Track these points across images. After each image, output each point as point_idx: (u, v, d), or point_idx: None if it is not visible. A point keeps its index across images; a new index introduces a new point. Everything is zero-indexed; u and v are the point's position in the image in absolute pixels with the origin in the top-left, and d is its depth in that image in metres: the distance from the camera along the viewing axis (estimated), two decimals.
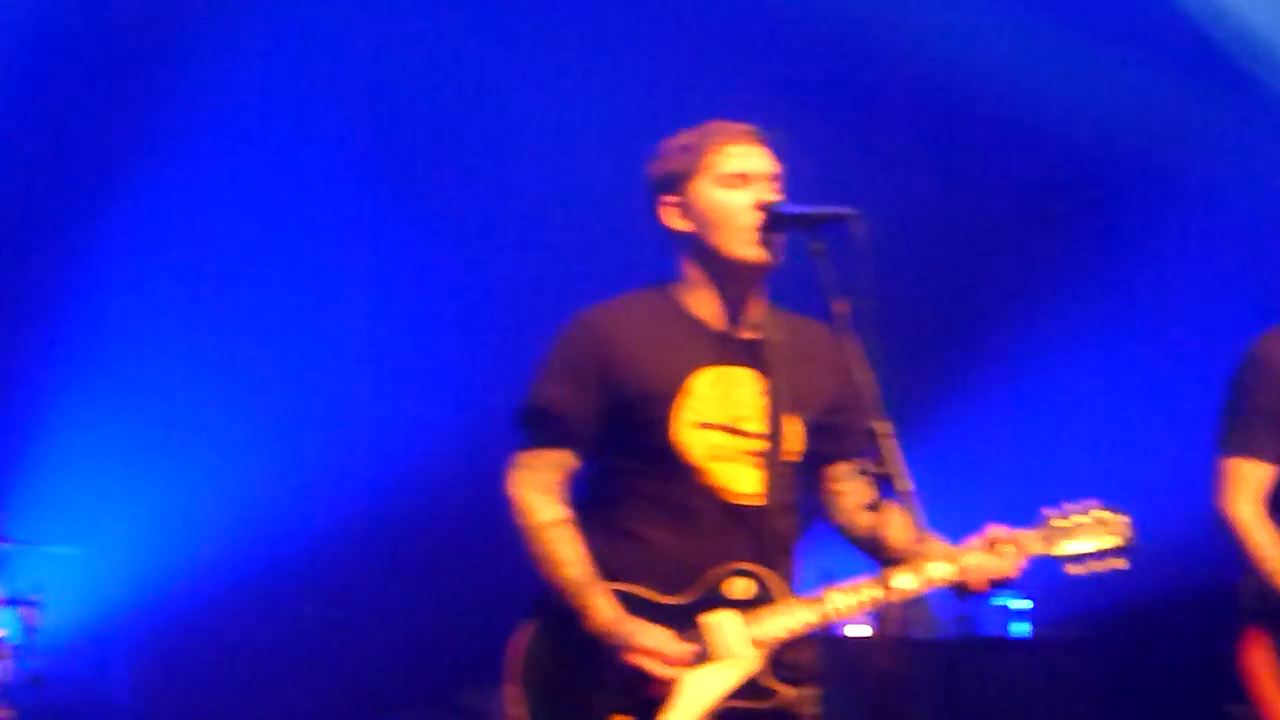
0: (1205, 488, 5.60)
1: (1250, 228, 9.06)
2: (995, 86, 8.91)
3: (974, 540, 4.49)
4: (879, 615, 4.18)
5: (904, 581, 4.40)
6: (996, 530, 4.49)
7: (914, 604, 8.51)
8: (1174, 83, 9.07)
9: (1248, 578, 5.49)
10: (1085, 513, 4.58)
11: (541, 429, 4.48)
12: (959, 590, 4.47)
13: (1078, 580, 7.91)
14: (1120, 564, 4.57)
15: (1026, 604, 8.90)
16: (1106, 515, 4.58)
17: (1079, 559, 4.56)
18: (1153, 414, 8.76)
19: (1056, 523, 4.55)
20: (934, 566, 4.42)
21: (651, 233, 4.57)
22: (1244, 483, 5.52)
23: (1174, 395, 8.55)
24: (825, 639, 7.23)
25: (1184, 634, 8.43)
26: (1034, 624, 8.93)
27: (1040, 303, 9.10)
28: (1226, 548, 5.53)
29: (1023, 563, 4.48)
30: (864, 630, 8.36)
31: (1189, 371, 8.08)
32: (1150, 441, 8.60)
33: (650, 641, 4.29)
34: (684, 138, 4.52)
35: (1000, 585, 4.47)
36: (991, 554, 4.44)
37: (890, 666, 4.00)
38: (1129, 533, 4.58)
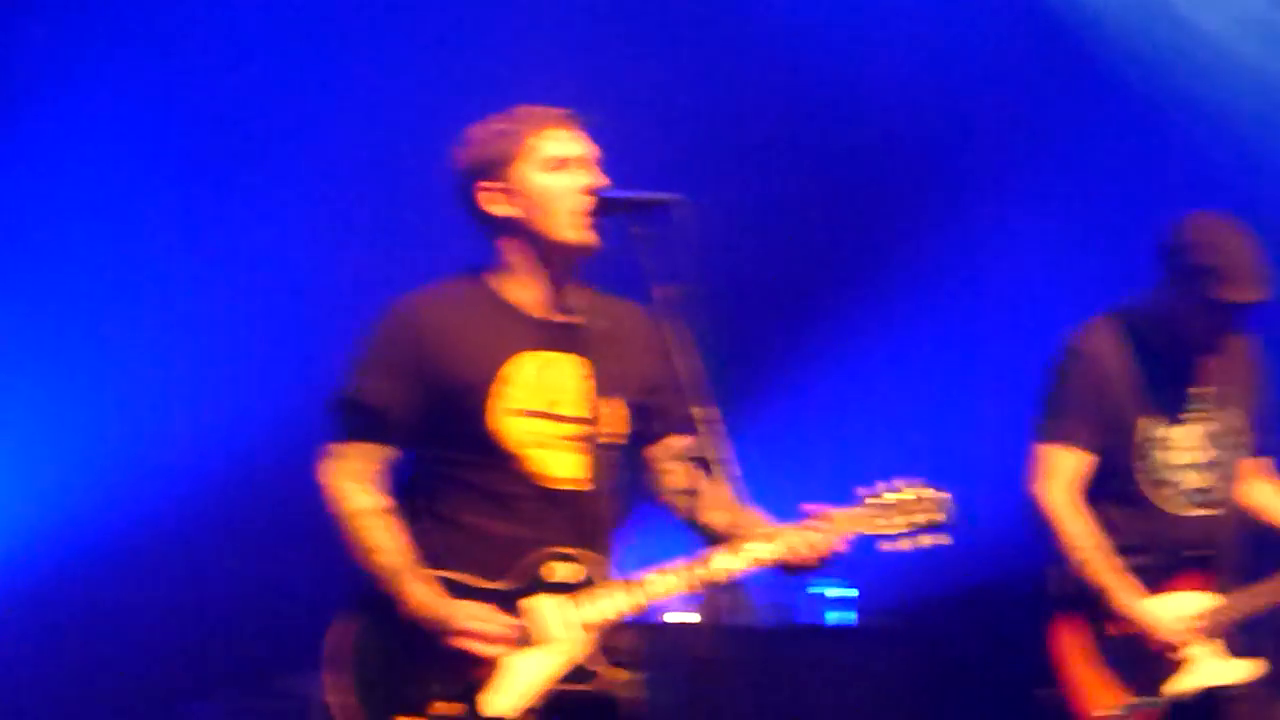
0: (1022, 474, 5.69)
1: (1073, 217, 9.20)
2: (822, 70, 8.97)
3: (795, 520, 4.51)
4: (700, 601, 4.19)
5: (725, 562, 4.42)
6: (816, 509, 4.52)
7: (733, 591, 8.60)
8: (999, 72, 9.18)
9: (1057, 564, 5.59)
10: (903, 491, 4.60)
11: (355, 421, 4.44)
12: (781, 569, 4.49)
13: (899, 567, 8.00)
14: (942, 540, 4.60)
15: (848, 592, 8.98)
16: (924, 493, 4.61)
17: (896, 536, 4.58)
18: (973, 399, 8.86)
19: (874, 501, 4.57)
20: (754, 546, 4.43)
21: (463, 218, 4.54)
22: (1057, 469, 5.61)
23: (994, 381, 8.65)
24: (647, 625, 7.28)
25: (999, 620, 8.55)
26: (858, 612, 9.02)
27: (864, 287, 9.15)
28: (1037, 534, 5.63)
29: (841, 541, 4.49)
30: (685, 616, 8.39)
31: (1009, 359, 8.18)
32: (971, 427, 8.71)
33: (470, 622, 4.27)
34: (499, 123, 4.49)
35: (821, 565, 4.49)
36: (811, 533, 4.45)
37: (709, 653, 4.01)
38: (946, 510, 4.61)
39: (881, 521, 4.55)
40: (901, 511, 4.57)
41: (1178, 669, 5.48)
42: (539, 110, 4.48)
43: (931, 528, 4.59)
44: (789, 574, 4.52)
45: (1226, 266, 5.45)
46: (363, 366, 4.45)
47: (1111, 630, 5.50)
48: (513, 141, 4.43)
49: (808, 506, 4.52)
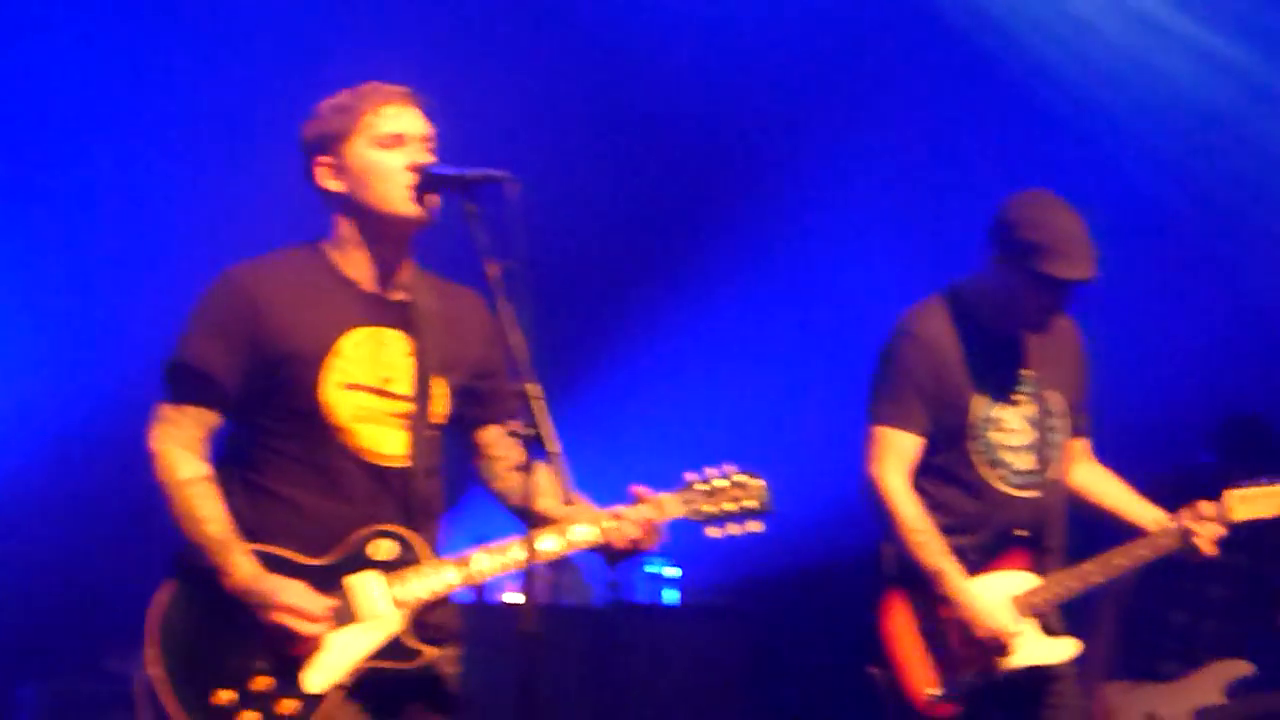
0: (852, 455, 5.71)
1: (902, 197, 9.29)
2: (651, 55, 9.00)
3: (620, 503, 4.53)
4: (527, 580, 4.19)
5: (548, 544, 4.44)
6: (641, 492, 4.54)
7: (566, 570, 8.62)
8: (826, 55, 9.26)
9: (888, 543, 5.62)
10: (725, 477, 4.64)
11: (185, 385, 4.40)
12: (604, 553, 4.51)
13: (726, 548, 8.04)
14: (757, 527, 4.65)
15: (677, 571, 9.02)
16: (744, 479, 4.66)
17: (718, 521, 4.62)
18: (800, 380, 8.94)
19: (697, 486, 4.61)
20: (577, 529, 4.45)
21: (306, 193, 4.53)
22: (893, 451, 5.63)
23: (821, 362, 8.73)
24: (475, 604, 7.27)
25: (829, 599, 8.62)
26: (683, 591, 9.06)
27: (692, 267, 9.21)
28: (871, 514, 5.66)
29: (664, 525, 4.53)
30: (513, 596, 8.39)
31: (838, 339, 8.26)
32: (798, 408, 8.78)
33: (291, 598, 4.24)
34: (339, 99, 4.48)
35: (644, 549, 4.51)
36: (634, 516, 4.48)
37: (536, 631, 4.01)
38: (765, 497, 4.66)
39: (704, 507, 4.60)
40: (723, 498, 4.62)
41: (1003, 651, 5.54)
42: (377, 87, 4.48)
43: (751, 514, 4.65)
44: (612, 558, 4.53)
45: (1056, 243, 5.50)
46: (194, 331, 4.42)
47: (942, 613, 5.54)
48: (350, 117, 4.43)
49: (634, 489, 4.54)
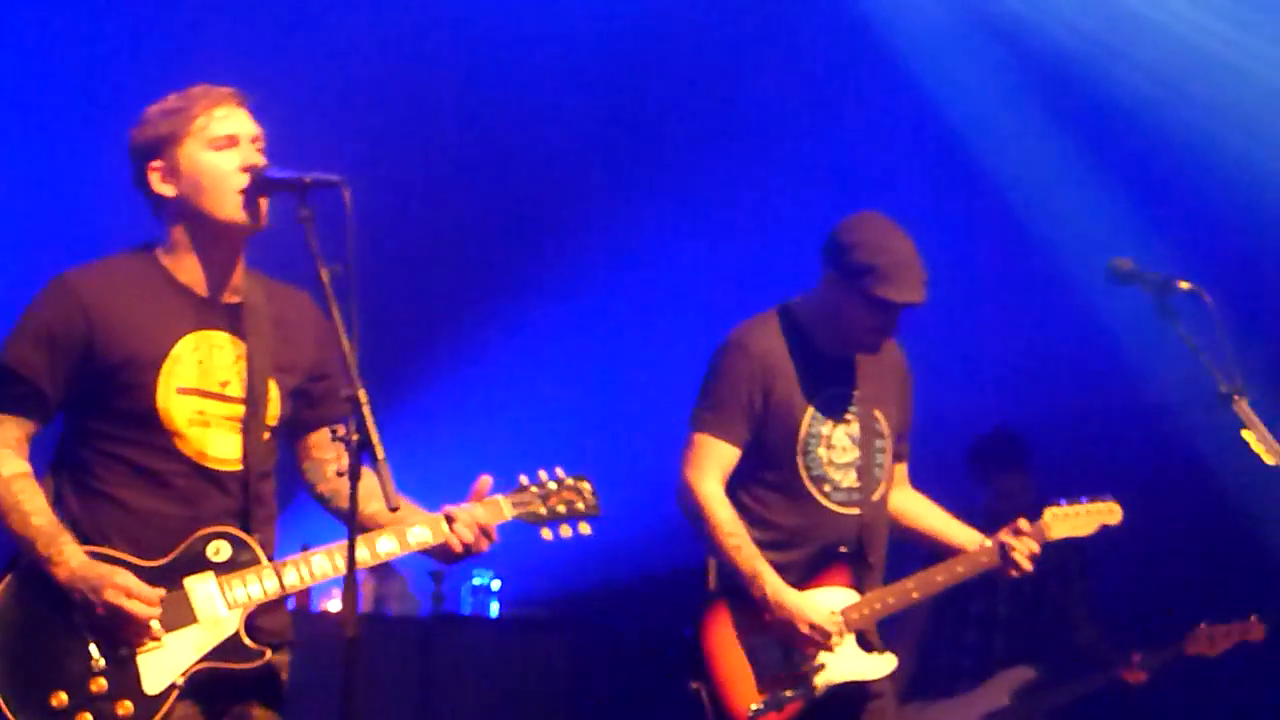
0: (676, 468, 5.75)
1: (739, 213, 9.36)
2: (488, 60, 9.01)
3: (453, 504, 4.54)
4: (347, 587, 4.16)
5: (386, 545, 4.45)
6: (480, 487, 4.59)
7: (392, 580, 8.57)
8: (665, 70, 9.32)
9: (713, 554, 5.66)
10: (556, 479, 4.71)
11: (7, 391, 4.37)
12: (438, 555, 4.53)
13: (549, 560, 8.03)
14: (586, 530, 4.72)
15: (498, 583, 9.02)
16: (574, 482, 4.73)
17: (551, 524, 4.67)
18: (633, 390, 8.96)
19: (530, 489, 4.67)
20: (415, 530, 4.47)
21: (139, 198, 4.51)
22: (710, 458, 5.67)
23: (649, 374, 8.76)
24: (299, 612, 7.21)
25: (653, 612, 8.66)
26: (503, 603, 9.06)
27: (522, 276, 9.22)
28: (686, 520, 5.69)
29: (494, 527, 4.55)
30: (336, 604, 8.35)
31: (666, 352, 8.30)
32: (624, 419, 8.80)
33: (123, 580, 4.22)
34: (168, 102, 4.46)
35: (475, 551, 4.52)
36: (469, 519, 4.50)
37: (358, 641, 4.00)
38: (594, 499, 4.73)
39: (537, 509, 4.65)
40: (555, 499, 4.68)
41: (824, 662, 5.59)
42: (206, 89, 4.46)
43: (581, 516, 4.71)
44: (444, 560, 4.56)
45: (889, 267, 5.56)
46: (21, 335, 4.39)
47: (763, 621, 5.57)
48: (181, 120, 4.41)
49: (478, 481, 4.59)
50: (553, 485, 4.70)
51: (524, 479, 4.69)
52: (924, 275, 5.61)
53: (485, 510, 4.55)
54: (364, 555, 4.42)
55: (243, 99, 4.47)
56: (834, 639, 5.57)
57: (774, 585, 5.55)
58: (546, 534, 4.69)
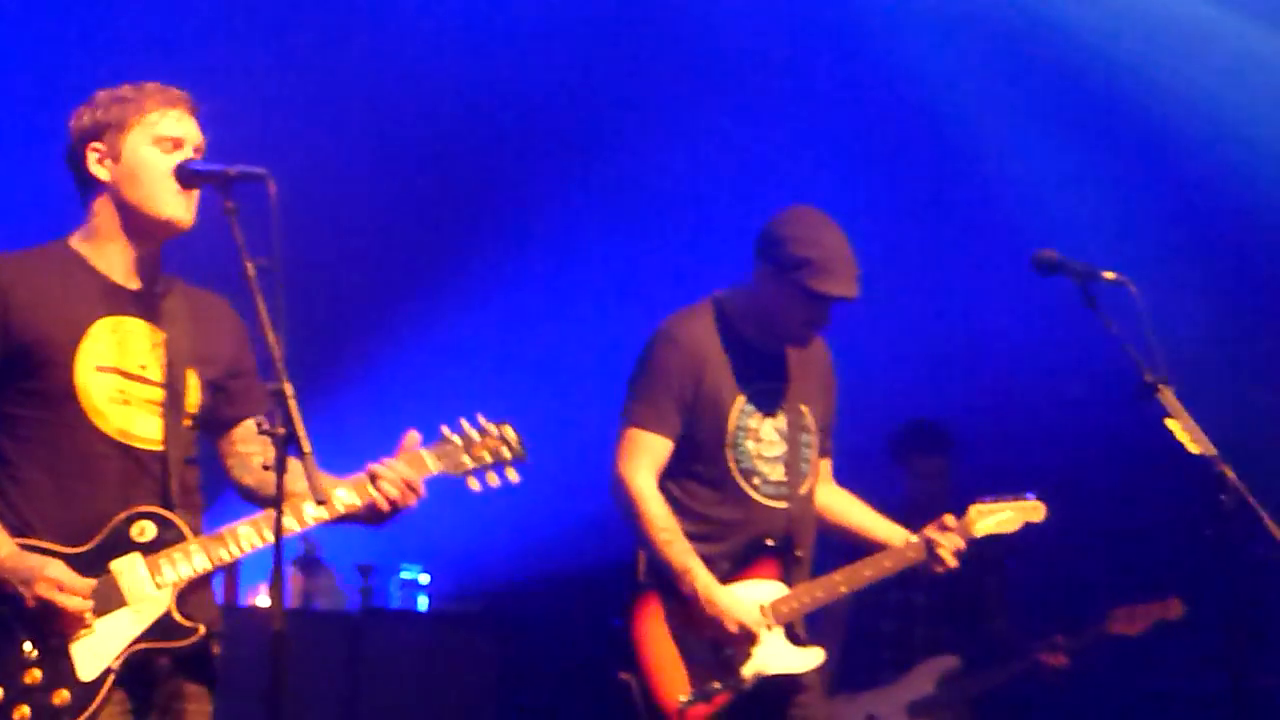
0: (607, 462, 5.74)
1: (672, 204, 9.37)
2: (415, 52, 8.99)
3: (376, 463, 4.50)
4: (280, 582, 4.12)
5: (313, 511, 4.41)
6: (406, 441, 4.53)
7: (320, 575, 8.54)
8: (596, 64, 9.31)
9: (644, 547, 5.66)
10: (478, 427, 4.64)
11: None
12: (367, 518, 4.49)
13: (480, 554, 8.01)
14: (515, 477, 4.65)
15: (426, 577, 9.02)
16: (497, 428, 4.65)
17: (477, 473, 4.60)
18: (556, 385, 8.96)
19: (453, 439, 4.60)
20: (340, 493, 4.44)
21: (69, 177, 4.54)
22: (643, 452, 5.68)
23: (578, 367, 8.77)
24: (225, 606, 7.18)
25: (583, 605, 8.67)
26: (432, 597, 9.05)
27: (451, 270, 9.21)
28: (619, 514, 5.69)
29: (423, 483, 4.50)
30: (264, 599, 8.32)
31: (596, 345, 8.31)
32: (554, 413, 8.80)
33: (54, 572, 4.21)
34: (122, 90, 4.49)
35: (403, 507, 4.47)
36: (393, 475, 4.45)
37: (285, 634, 3.98)
38: (519, 444, 4.67)
39: (462, 459, 4.59)
40: (479, 448, 4.62)
41: (752, 655, 5.61)
42: (162, 87, 4.51)
43: (506, 463, 4.65)
44: (374, 522, 4.51)
45: (823, 260, 5.59)
46: None
47: (692, 614, 5.58)
48: (131, 110, 4.45)
49: (404, 436, 4.54)
50: (475, 434, 4.63)
51: (445, 429, 4.62)
52: (857, 270, 5.64)
53: (409, 465, 4.50)
54: (292, 524, 4.38)
55: (195, 107, 4.52)
56: (760, 635, 5.58)
57: (704, 581, 5.57)
58: (474, 484, 4.61)
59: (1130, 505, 8.81)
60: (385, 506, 4.46)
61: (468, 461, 4.61)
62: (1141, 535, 8.73)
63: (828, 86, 9.44)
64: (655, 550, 5.60)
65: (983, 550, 5.96)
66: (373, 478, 4.46)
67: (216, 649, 4.49)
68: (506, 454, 4.65)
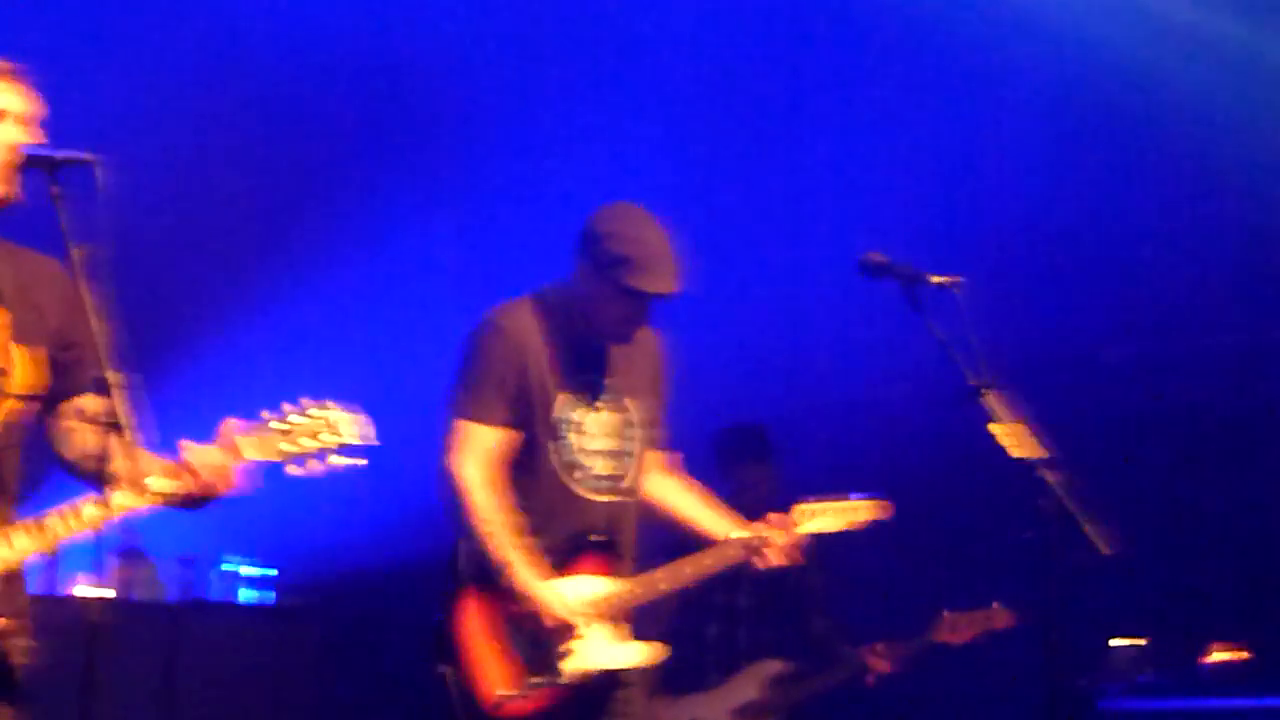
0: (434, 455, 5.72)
1: (498, 196, 9.37)
2: (256, 25, 8.93)
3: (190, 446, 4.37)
4: (103, 572, 4.04)
5: (125, 499, 4.25)
6: (224, 429, 4.37)
7: (140, 565, 8.43)
8: (449, 40, 9.31)
9: (464, 540, 5.64)
10: (310, 412, 4.44)
11: None
12: (182, 503, 4.34)
13: (304, 546, 7.94)
14: (356, 461, 4.44)
15: (268, 570, 8.94)
16: (334, 414, 4.45)
17: (298, 459, 4.41)
18: (395, 373, 8.91)
19: (274, 424, 4.41)
20: (156, 481, 4.28)
21: None
22: (471, 444, 5.65)
23: (414, 357, 8.72)
24: (43, 596, 7.06)
25: (409, 598, 8.63)
26: (254, 589, 8.98)
27: (287, 254, 9.15)
28: (445, 508, 5.66)
29: (239, 469, 4.36)
30: (83, 588, 8.20)
31: (425, 338, 8.27)
32: (391, 400, 8.74)
33: None
34: None
35: (223, 492, 4.34)
36: (207, 462, 4.32)
37: (105, 625, 3.92)
38: (354, 429, 4.45)
39: (282, 445, 4.40)
40: (303, 433, 4.41)
41: (573, 650, 5.61)
42: None
43: (343, 449, 4.44)
44: (188, 507, 4.36)
45: (642, 257, 5.60)
46: None
47: (512, 609, 5.57)
48: None
49: (221, 425, 4.39)
50: (301, 419, 4.42)
51: (265, 414, 4.42)
52: (678, 266, 5.65)
53: (222, 451, 4.34)
54: (95, 514, 4.21)
55: (19, 77, 4.37)
56: (581, 629, 5.59)
57: (523, 577, 5.55)
58: (294, 469, 4.42)
59: (955, 509, 8.92)
60: (196, 492, 4.31)
61: (286, 447, 4.40)
62: (966, 539, 8.84)
63: (656, 77, 9.47)
64: (478, 542, 5.57)
65: (806, 552, 6.00)
66: (186, 465, 4.32)
67: (23, 658, 4.35)
68: (329, 439, 4.42)
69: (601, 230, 5.68)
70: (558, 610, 5.55)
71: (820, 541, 6.16)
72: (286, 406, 4.44)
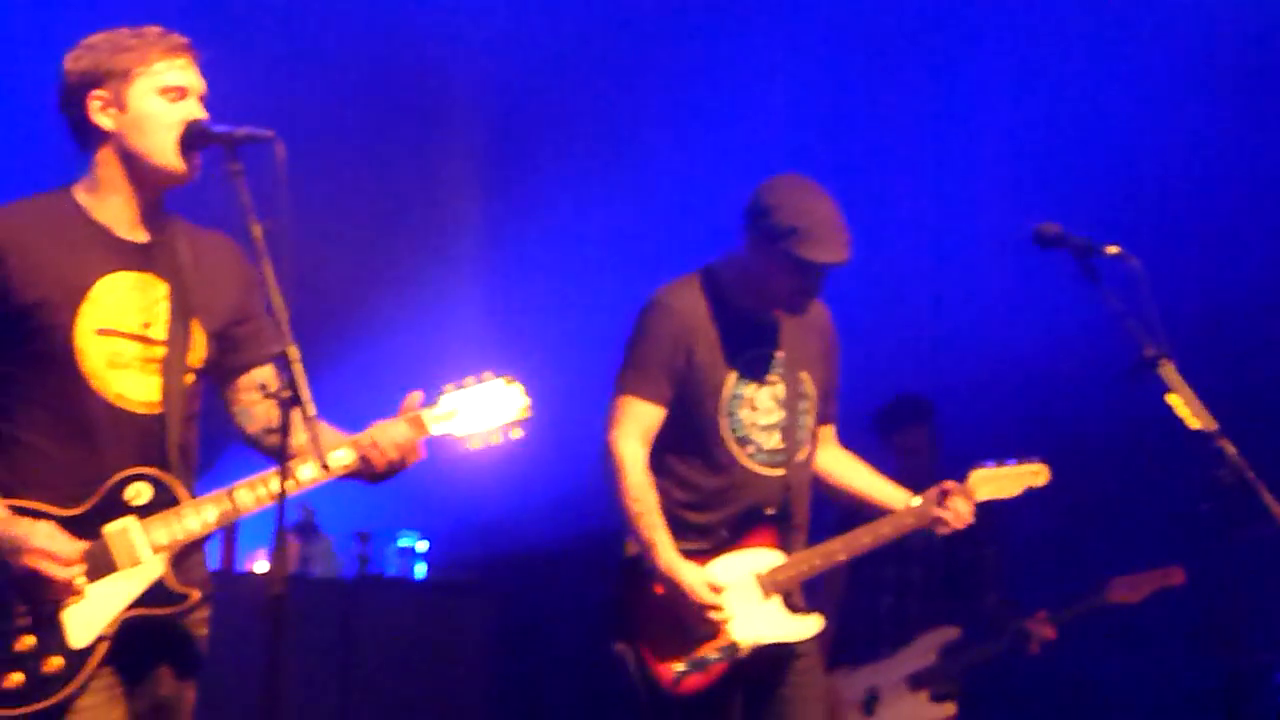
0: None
1: (667, 175, 9.37)
2: (426, 17, 9.00)
3: (377, 423, 4.47)
4: (276, 543, 4.10)
5: (307, 471, 4.36)
6: (407, 402, 4.49)
7: (316, 541, 8.54)
8: (588, 42, 9.32)
9: (619, 516, 5.64)
10: (480, 385, 4.58)
11: None
12: (365, 476, 4.44)
13: (477, 522, 8.00)
14: (518, 434, 4.61)
15: (424, 545, 9.02)
16: (500, 386, 4.59)
17: (478, 431, 4.56)
18: (558, 354, 8.96)
19: (454, 398, 4.54)
20: (336, 454, 4.38)
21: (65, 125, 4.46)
22: (632, 420, 5.66)
23: (580, 336, 8.77)
24: (221, 572, 7.18)
25: (579, 575, 8.68)
26: (431, 565, 9.06)
27: (453, 234, 9.22)
28: (604, 482, 5.67)
29: (422, 443, 4.47)
30: (261, 565, 8.33)
31: (596, 314, 8.30)
32: (556, 382, 8.79)
33: (41, 541, 4.16)
34: (120, 37, 4.40)
35: (402, 466, 4.44)
36: (390, 437, 4.42)
37: (283, 601, 3.97)
38: (522, 400, 4.61)
39: (463, 419, 4.54)
40: (481, 407, 4.55)
41: (720, 628, 5.58)
42: (163, 33, 4.42)
43: (511, 422, 4.60)
44: (371, 480, 4.45)
45: (811, 227, 5.57)
46: None
47: (658, 589, 5.57)
48: (135, 58, 4.36)
49: (406, 398, 4.51)
50: (477, 392, 4.56)
51: (448, 388, 4.55)
52: (847, 235, 5.62)
53: (409, 426, 4.46)
54: (286, 484, 4.23)
55: (197, 54, 4.44)
56: (726, 611, 5.56)
57: (666, 558, 5.54)
58: (475, 443, 4.57)
59: (1128, 481, 8.82)
60: (381, 467, 4.42)
61: (469, 421, 4.55)
62: (1139, 511, 8.74)
63: (814, 50, 9.43)
64: (627, 520, 5.59)
65: (980, 525, 5.96)
66: (370, 439, 4.42)
67: (204, 629, 4.45)
68: (509, 413, 4.59)
69: (769, 202, 5.66)
70: (699, 593, 5.53)
71: (993, 515, 6.11)
72: (469, 380, 4.57)
